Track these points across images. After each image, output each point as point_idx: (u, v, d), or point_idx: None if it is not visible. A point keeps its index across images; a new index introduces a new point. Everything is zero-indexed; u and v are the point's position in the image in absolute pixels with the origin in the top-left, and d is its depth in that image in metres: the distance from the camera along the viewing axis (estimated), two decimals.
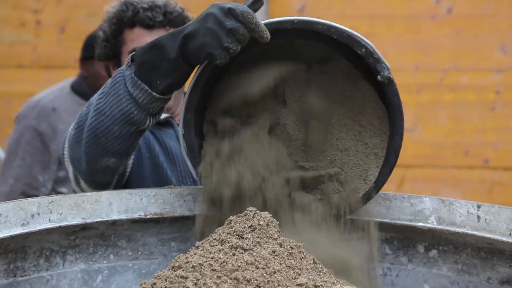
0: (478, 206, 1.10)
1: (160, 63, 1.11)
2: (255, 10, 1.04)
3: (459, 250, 1.14)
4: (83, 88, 2.92)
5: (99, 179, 1.35)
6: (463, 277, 1.14)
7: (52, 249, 1.11)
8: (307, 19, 1.04)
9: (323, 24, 1.03)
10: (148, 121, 1.20)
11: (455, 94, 3.39)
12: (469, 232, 1.10)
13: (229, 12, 1.01)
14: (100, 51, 1.72)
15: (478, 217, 1.09)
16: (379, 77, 1.03)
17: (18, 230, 1.02)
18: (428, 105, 3.43)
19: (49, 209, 1.08)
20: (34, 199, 1.06)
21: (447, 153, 3.44)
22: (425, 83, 3.43)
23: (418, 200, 1.16)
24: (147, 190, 1.20)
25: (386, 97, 1.06)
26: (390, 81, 1.03)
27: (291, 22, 1.04)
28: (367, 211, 1.14)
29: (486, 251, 1.11)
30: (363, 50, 1.02)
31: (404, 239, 1.19)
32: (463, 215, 1.11)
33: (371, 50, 1.02)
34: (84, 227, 1.12)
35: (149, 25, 1.63)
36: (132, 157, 1.41)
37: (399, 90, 1.05)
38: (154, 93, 1.14)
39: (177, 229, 1.22)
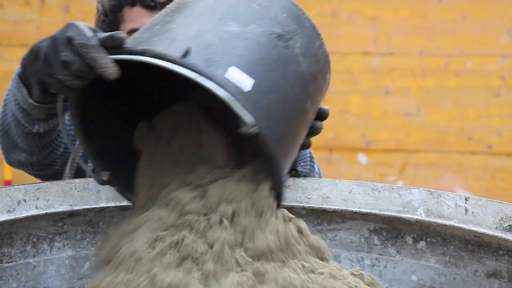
0: (466, 199, 1.09)
1: (30, 69, 0.98)
2: (114, 45, 0.88)
3: (447, 242, 1.14)
4: None
5: (25, 170, 1.33)
6: (451, 269, 1.14)
7: (39, 236, 1.11)
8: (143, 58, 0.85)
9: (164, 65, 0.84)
10: (37, 126, 1.15)
11: (459, 79, 3.37)
12: (457, 224, 1.10)
13: (68, 42, 0.87)
14: (97, 25, 1.61)
15: (466, 210, 1.09)
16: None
17: (4, 217, 1.03)
18: (432, 90, 3.41)
19: (35, 195, 1.08)
20: (21, 186, 1.07)
21: (450, 138, 3.42)
22: (430, 68, 3.40)
23: (406, 192, 1.16)
24: None
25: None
26: (254, 135, 0.84)
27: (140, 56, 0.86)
28: None
29: (473, 244, 1.11)
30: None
31: (393, 230, 1.19)
32: (451, 208, 1.11)
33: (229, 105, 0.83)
34: (71, 214, 1.13)
35: (150, 6, 1.55)
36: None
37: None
38: (30, 100, 1.05)
39: None
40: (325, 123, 1.13)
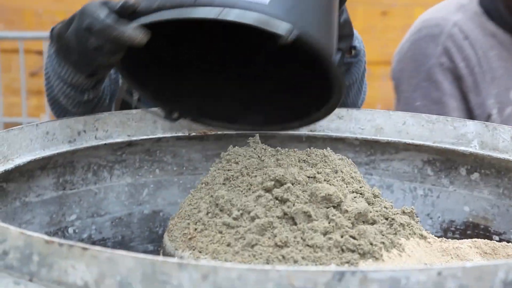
0: None
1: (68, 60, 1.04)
2: (130, 12, 0.91)
3: (501, 174, 1.13)
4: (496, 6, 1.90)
5: None
6: (504, 201, 1.13)
7: (99, 164, 1.15)
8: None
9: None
10: (86, 95, 1.14)
11: None
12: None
13: (88, 31, 0.91)
14: None
15: None
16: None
17: (65, 147, 1.07)
18: None
19: (95, 126, 1.11)
20: (80, 117, 1.10)
21: None
22: None
23: (461, 124, 1.14)
24: None
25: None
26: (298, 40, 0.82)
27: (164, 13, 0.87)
28: None
29: None
30: None
31: (446, 161, 1.18)
32: (506, 141, 1.09)
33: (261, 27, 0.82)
34: (129, 144, 1.16)
35: None
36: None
37: None
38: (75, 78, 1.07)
39: (221, 146, 1.23)
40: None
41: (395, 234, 0.83)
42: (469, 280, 0.53)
